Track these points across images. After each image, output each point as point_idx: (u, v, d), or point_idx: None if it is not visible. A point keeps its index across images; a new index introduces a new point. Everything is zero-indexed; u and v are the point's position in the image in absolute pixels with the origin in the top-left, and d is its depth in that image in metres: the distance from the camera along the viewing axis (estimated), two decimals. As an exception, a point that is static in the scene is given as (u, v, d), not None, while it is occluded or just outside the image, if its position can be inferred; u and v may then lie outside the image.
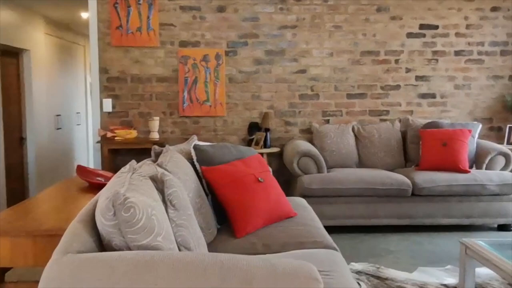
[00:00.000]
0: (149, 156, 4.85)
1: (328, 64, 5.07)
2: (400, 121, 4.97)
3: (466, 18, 5.09)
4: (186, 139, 5.03)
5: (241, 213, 2.54)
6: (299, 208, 3.01)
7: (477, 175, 4.26)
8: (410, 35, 5.08)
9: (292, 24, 5.02)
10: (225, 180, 2.62)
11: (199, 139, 4.98)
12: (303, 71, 5.06)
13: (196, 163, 2.77)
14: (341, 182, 4.18)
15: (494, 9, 5.09)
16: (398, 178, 4.24)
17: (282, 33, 5.01)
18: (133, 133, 4.79)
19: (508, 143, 4.90)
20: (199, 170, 2.75)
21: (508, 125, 4.98)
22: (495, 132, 5.20)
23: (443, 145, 4.41)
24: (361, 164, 4.79)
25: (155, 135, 4.83)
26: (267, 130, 4.90)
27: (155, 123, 4.82)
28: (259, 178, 2.69)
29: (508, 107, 5.13)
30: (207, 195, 2.75)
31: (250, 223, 2.54)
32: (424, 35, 5.09)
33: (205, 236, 2.40)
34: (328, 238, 2.51)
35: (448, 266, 3.43)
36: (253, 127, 5.00)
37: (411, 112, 5.16)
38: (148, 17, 4.92)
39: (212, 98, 5.01)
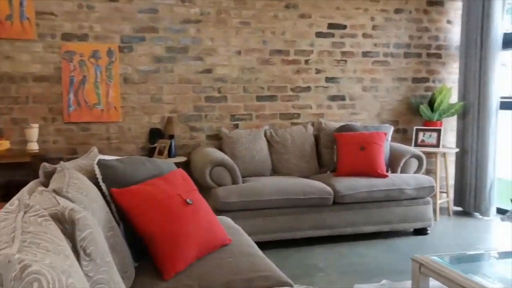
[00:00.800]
0: (27, 172, 3.99)
1: (236, 63, 4.63)
2: (312, 124, 4.71)
3: (372, 18, 5.00)
4: (73, 150, 4.25)
5: (168, 247, 1.98)
6: (230, 231, 2.51)
7: (395, 180, 4.12)
8: (319, 34, 4.85)
9: (196, 19, 4.50)
10: (144, 205, 2.04)
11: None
12: (208, 71, 4.57)
13: (102, 184, 2.15)
14: (261, 194, 3.77)
15: (397, 11, 5.07)
16: (319, 186, 3.94)
17: (184, 28, 4.47)
18: (4, 144, 3.91)
19: (416, 145, 4.89)
20: (107, 193, 2.13)
21: (414, 127, 4.98)
22: (401, 134, 5.18)
23: (360, 149, 4.21)
24: (275, 171, 4.43)
25: (34, 146, 3.99)
26: (171, 137, 4.32)
27: (33, 132, 3.98)
28: (187, 200, 2.15)
29: (413, 108, 5.14)
30: (118, 224, 2.14)
31: (180, 258, 1.98)
32: (333, 35, 4.89)
33: (123, 282, 1.80)
34: (276, 270, 2.05)
35: (384, 281, 3.18)
36: (155, 134, 4.38)
37: (322, 115, 4.93)
38: (21, 4, 4.06)
39: (104, 101, 4.29)
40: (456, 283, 2.17)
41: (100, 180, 2.15)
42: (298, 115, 4.86)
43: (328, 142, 4.58)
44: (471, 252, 2.55)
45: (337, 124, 4.65)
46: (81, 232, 1.29)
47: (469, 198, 4.98)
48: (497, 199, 4.90)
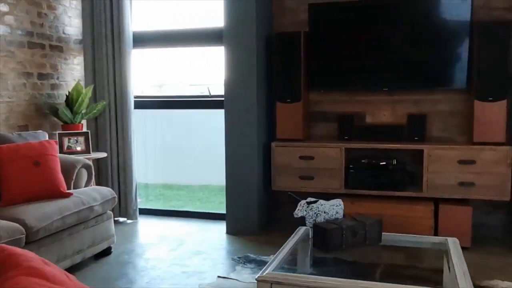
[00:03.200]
0: None
1: None
2: None
3: (-10, -7, 3.78)
4: None
5: None
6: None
7: (81, 197, 3.37)
8: None
9: None
10: None
11: None
12: None
13: None
14: None
15: (17, -12, 4.05)
16: (4, 226, 2.71)
17: None
18: None
19: (62, 153, 4.11)
20: None
21: (57, 132, 4.17)
22: (33, 142, 4.22)
23: (35, 165, 3.17)
24: None
25: None
26: None
27: None
28: None
29: (44, 110, 4.29)
30: None
31: None
32: None
33: None
34: None
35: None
36: None
37: None
38: None
39: None
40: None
41: None
42: None
43: (-35, 160, 3.18)
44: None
45: (-29, 135, 3.30)
46: None
47: (113, 204, 4.67)
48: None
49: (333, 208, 2.66)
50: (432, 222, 3.79)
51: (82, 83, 4.70)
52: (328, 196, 4.09)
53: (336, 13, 4.18)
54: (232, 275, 3.20)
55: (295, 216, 2.65)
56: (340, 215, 2.67)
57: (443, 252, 2.44)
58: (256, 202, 4.19)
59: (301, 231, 2.78)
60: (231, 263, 3.49)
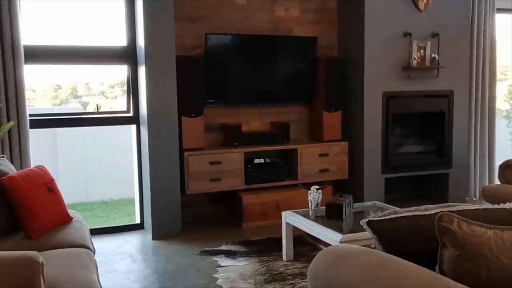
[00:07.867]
0: None
1: None
2: None
3: None
4: None
5: None
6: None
7: (77, 218, 3.31)
8: None
9: None
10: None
11: None
12: None
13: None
14: None
15: None
16: (83, 252, 2.67)
17: None
18: None
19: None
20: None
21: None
22: None
23: (50, 191, 3.01)
24: None
25: None
26: None
27: None
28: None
29: None
30: None
31: None
32: None
33: None
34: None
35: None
36: None
37: None
38: None
39: None
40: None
41: None
42: None
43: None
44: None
45: None
46: None
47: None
48: None
49: (320, 192, 3.73)
50: (309, 200, 5.21)
51: (-40, 101, 4.06)
52: (233, 193, 5.02)
53: (225, 43, 5.09)
54: (226, 263, 3.83)
55: (310, 199, 3.60)
56: (320, 197, 3.76)
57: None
58: (179, 206, 4.70)
59: (291, 214, 3.74)
60: (201, 257, 4.03)
